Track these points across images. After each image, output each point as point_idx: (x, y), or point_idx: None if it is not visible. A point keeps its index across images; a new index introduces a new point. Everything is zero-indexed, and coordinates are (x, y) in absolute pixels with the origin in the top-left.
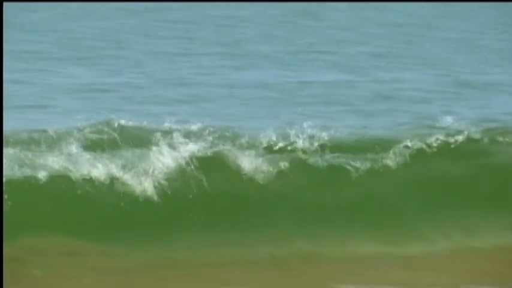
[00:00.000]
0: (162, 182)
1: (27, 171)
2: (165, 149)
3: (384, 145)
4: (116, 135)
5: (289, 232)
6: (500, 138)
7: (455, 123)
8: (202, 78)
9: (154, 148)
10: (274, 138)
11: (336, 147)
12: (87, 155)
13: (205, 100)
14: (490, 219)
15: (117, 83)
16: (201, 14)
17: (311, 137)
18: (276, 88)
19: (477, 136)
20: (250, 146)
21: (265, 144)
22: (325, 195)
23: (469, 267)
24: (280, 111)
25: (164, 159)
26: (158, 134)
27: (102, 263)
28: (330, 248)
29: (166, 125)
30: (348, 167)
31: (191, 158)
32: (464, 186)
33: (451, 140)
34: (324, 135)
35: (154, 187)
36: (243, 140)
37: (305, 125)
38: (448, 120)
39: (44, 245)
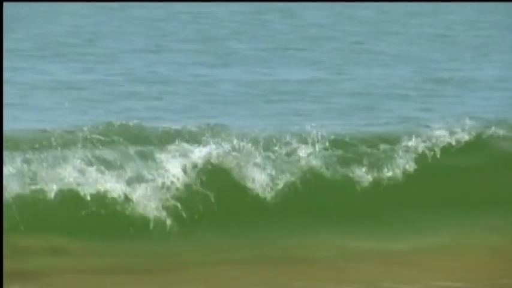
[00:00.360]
0: (170, 188)
1: (32, 184)
2: (173, 156)
3: (382, 145)
4: (119, 138)
5: (290, 233)
6: (499, 134)
7: (446, 121)
8: (178, 75)
9: (162, 155)
10: (274, 141)
11: (338, 146)
12: (92, 164)
13: (182, 97)
14: (489, 218)
15: (92, 80)
16: (173, 11)
17: (311, 137)
18: (253, 85)
19: (476, 133)
20: (255, 149)
21: (269, 147)
22: (328, 197)
23: (462, 265)
24: (258, 108)
25: (171, 167)
26: (162, 138)
27: (102, 263)
28: (332, 247)
29: (166, 126)
30: (350, 167)
31: (198, 166)
32: (466, 186)
33: (451, 138)
34: (325, 135)
35: (161, 196)
36: (246, 144)
37: (298, 124)
38: (437, 118)
39: (42, 246)
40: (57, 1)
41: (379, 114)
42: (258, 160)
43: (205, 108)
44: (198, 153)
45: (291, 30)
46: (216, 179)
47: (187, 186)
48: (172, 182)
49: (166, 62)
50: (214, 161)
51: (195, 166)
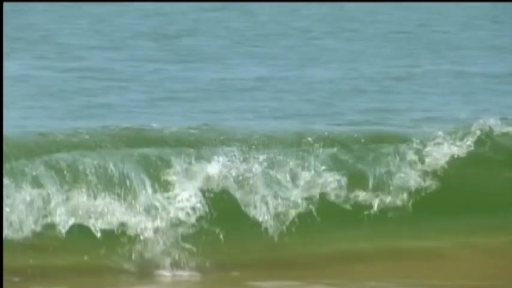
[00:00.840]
0: (179, 217)
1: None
2: (182, 176)
3: (385, 154)
4: (121, 146)
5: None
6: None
7: (432, 122)
8: (134, 72)
9: (171, 176)
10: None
11: (344, 146)
12: (99, 190)
13: (139, 94)
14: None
15: (47, 77)
16: (128, 8)
17: (316, 139)
18: (209, 82)
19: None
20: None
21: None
22: (340, 203)
23: (464, 265)
24: (214, 105)
25: (181, 190)
26: (166, 148)
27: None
28: (334, 248)
29: (157, 128)
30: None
31: (209, 191)
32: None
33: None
34: (327, 138)
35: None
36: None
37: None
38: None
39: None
40: (56, 1)
41: (343, 112)
42: (269, 184)
43: (164, 105)
44: (209, 174)
45: (247, 28)
46: (223, 204)
47: (197, 212)
48: (182, 208)
49: (122, 58)
50: (221, 186)
51: (206, 191)
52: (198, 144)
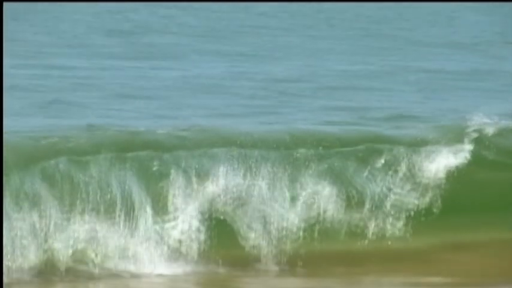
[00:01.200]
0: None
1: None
2: (183, 196)
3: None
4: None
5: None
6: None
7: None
8: (94, 69)
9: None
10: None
11: (344, 148)
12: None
13: (100, 92)
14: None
15: (7, 74)
16: (89, 5)
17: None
18: (171, 80)
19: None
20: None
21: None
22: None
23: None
24: (170, 104)
25: (182, 212)
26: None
27: None
28: (336, 244)
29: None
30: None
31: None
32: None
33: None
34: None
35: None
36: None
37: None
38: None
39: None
40: (57, 1)
41: (313, 109)
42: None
43: (128, 102)
44: (209, 193)
45: (211, 25)
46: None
47: (200, 232)
48: (182, 232)
49: (83, 56)
50: (220, 205)
51: (207, 211)
52: (195, 149)
